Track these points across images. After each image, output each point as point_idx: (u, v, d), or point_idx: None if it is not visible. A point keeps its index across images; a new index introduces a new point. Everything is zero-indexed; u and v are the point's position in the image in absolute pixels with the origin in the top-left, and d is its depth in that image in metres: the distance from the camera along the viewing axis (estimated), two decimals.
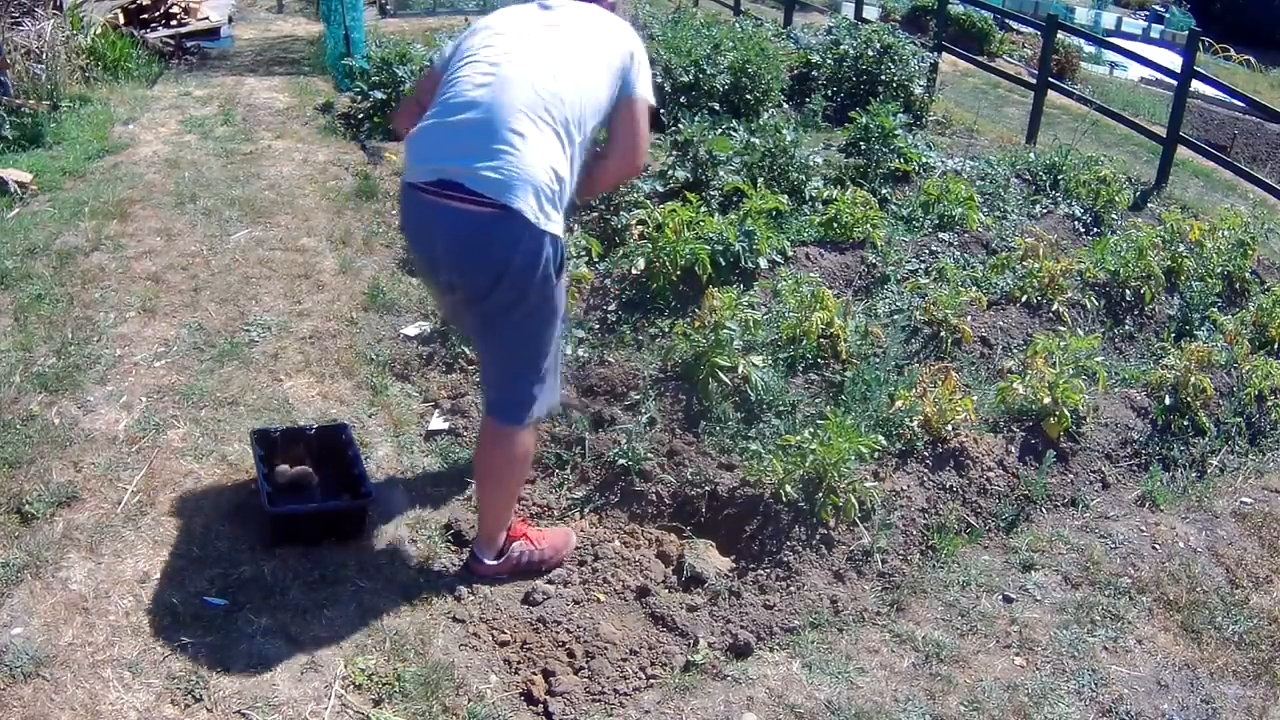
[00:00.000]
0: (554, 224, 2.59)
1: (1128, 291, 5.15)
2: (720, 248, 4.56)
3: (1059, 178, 6.55)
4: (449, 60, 2.78)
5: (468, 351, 4.01)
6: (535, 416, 2.85)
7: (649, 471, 3.48)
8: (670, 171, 5.49)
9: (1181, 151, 8.13)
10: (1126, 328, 5.08)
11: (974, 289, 4.80)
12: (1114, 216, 6.35)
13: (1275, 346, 4.99)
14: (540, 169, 2.53)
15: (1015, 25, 15.71)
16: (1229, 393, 4.46)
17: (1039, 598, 3.19)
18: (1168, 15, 26.58)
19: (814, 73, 8.48)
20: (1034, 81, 9.19)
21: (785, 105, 7.84)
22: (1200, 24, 20.36)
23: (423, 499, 3.32)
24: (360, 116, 6.95)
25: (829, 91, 8.25)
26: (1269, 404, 4.45)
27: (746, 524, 3.30)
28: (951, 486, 3.57)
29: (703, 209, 4.74)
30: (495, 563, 3.00)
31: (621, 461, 3.48)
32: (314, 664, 2.63)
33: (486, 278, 2.61)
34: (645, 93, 2.80)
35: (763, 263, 4.70)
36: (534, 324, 2.72)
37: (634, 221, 4.84)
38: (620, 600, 3.04)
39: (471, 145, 2.54)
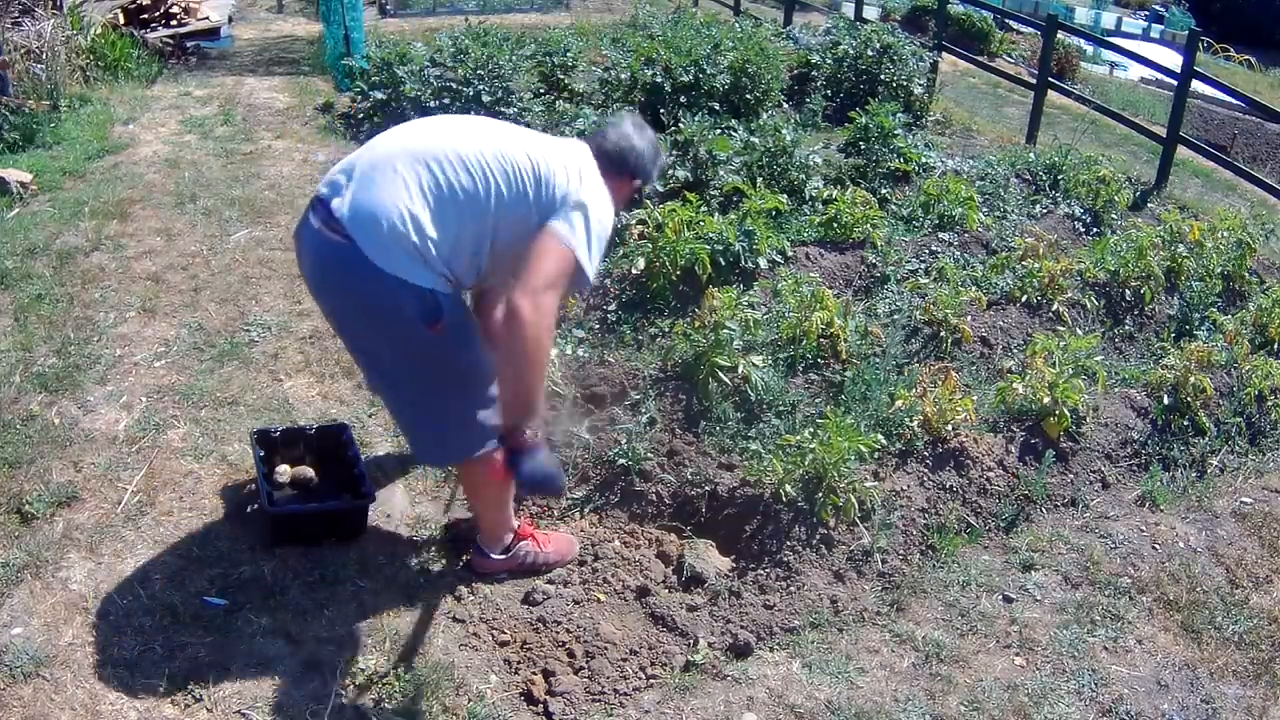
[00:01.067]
0: (409, 273, 2.43)
1: (1128, 291, 5.15)
2: (720, 248, 4.55)
3: (1059, 178, 6.55)
4: None
5: None
6: (466, 457, 2.74)
7: (649, 471, 3.48)
8: (670, 171, 5.49)
9: (1181, 151, 8.12)
10: (1126, 328, 5.08)
11: (974, 289, 4.80)
12: (1114, 216, 6.35)
13: (1275, 346, 4.99)
14: (400, 215, 2.41)
15: (1015, 25, 15.67)
16: (1229, 393, 4.46)
17: (1039, 598, 3.19)
18: (1168, 15, 26.54)
19: (814, 73, 8.48)
20: (1034, 81, 9.18)
21: (785, 105, 7.84)
22: (1200, 24, 20.34)
23: (423, 499, 3.32)
24: (360, 116, 6.94)
25: (829, 91, 8.26)
26: (1269, 404, 4.45)
27: (746, 524, 3.30)
28: (951, 486, 3.57)
29: (703, 209, 4.74)
30: (500, 559, 3.01)
31: (621, 461, 3.48)
32: (314, 664, 2.63)
33: (329, 303, 2.61)
34: (567, 237, 2.46)
35: (763, 263, 4.70)
36: (412, 373, 2.60)
37: (634, 221, 4.84)
38: (620, 600, 3.04)
39: (352, 181, 2.49)
